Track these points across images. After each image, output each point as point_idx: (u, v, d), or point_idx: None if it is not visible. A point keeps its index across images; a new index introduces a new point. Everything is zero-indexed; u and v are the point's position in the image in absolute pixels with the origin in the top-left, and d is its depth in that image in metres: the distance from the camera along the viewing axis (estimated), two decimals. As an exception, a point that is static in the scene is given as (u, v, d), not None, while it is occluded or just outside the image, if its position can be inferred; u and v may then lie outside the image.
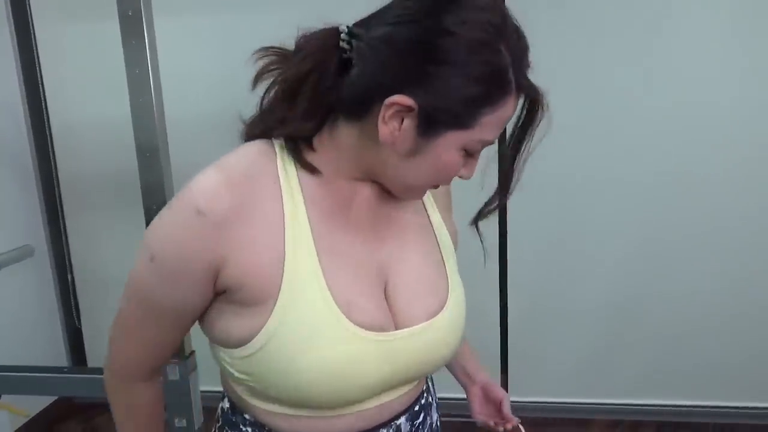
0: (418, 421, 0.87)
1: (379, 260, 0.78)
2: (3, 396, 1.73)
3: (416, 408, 0.86)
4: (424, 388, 0.89)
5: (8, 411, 1.70)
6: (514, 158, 0.76)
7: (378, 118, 0.69)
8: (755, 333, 2.27)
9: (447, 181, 0.78)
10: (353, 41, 0.70)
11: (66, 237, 2.58)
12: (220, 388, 0.88)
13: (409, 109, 0.68)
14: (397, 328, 0.77)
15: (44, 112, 2.46)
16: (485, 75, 0.67)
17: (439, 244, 0.84)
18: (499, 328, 2.40)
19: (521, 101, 0.73)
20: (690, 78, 2.14)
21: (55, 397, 2.58)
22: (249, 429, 0.82)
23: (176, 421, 1.56)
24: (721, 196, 2.20)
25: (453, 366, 1.01)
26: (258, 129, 0.78)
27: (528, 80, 0.71)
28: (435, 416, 0.93)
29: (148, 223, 1.46)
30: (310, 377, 0.72)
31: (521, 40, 0.70)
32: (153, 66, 1.38)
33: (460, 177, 0.76)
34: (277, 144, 0.76)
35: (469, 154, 0.73)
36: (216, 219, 0.69)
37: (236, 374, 0.77)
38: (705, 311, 2.28)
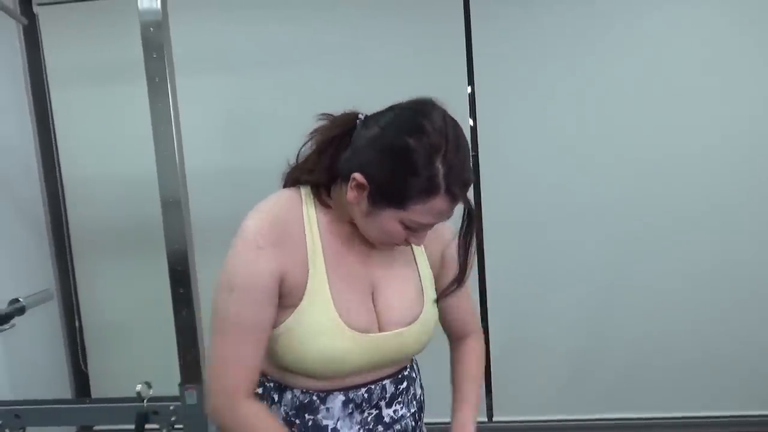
0: (402, 387, 1.12)
1: (371, 279, 1.07)
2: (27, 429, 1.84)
3: (399, 376, 1.12)
4: (408, 365, 1.16)
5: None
6: (465, 253, 1.04)
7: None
8: (722, 344, 2.45)
9: (399, 243, 1.03)
10: (359, 128, 1.00)
11: (75, 283, 2.72)
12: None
13: (364, 185, 0.96)
14: (380, 331, 1.05)
15: (56, 166, 2.64)
16: (416, 178, 0.92)
17: (419, 273, 1.12)
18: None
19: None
20: (668, 71, 2.35)
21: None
22: (270, 384, 1.10)
23: (193, 442, 1.71)
24: (680, 224, 2.42)
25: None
26: (294, 174, 1.08)
27: (461, 191, 0.95)
28: (419, 391, 1.18)
29: (170, 265, 1.63)
30: (314, 360, 1.01)
31: (458, 155, 0.93)
32: (176, 124, 1.59)
33: (411, 243, 1.03)
34: (304, 191, 1.06)
35: (412, 229, 0.98)
36: (270, 248, 0.98)
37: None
38: (669, 327, 2.47)
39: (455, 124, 0.96)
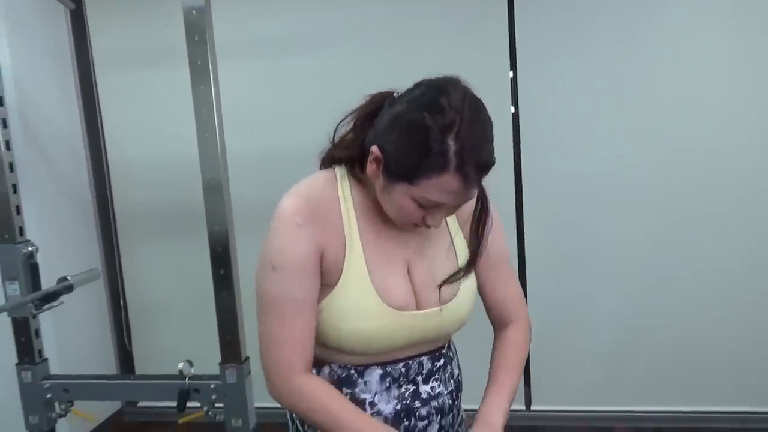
0: (440, 364, 1.11)
1: (406, 254, 1.06)
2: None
3: (437, 353, 1.11)
4: (446, 344, 1.15)
5: (82, 417, 1.89)
6: (477, 241, 1.03)
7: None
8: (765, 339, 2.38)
9: (418, 223, 1.00)
10: (387, 104, 0.99)
11: (120, 264, 2.80)
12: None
13: (380, 159, 0.95)
14: (417, 308, 1.04)
15: (103, 150, 2.71)
16: (427, 153, 0.90)
17: (454, 247, 1.10)
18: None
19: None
20: (717, 58, 2.27)
21: (108, 416, 2.78)
22: None
23: (233, 421, 1.74)
24: (722, 216, 2.35)
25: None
26: (331, 153, 1.08)
27: (475, 172, 0.91)
28: (456, 371, 1.17)
29: (212, 246, 1.65)
30: (352, 337, 1.01)
31: (473, 134, 0.90)
32: (217, 108, 1.61)
33: (427, 225, 0.99)
34: (339, 171, 1.06)
35: (425, 207, 0.96)
36: (309, 226, 0.99)
37: None
38: (708, 321, 2.41)
39: (476, 105, 0.93)
